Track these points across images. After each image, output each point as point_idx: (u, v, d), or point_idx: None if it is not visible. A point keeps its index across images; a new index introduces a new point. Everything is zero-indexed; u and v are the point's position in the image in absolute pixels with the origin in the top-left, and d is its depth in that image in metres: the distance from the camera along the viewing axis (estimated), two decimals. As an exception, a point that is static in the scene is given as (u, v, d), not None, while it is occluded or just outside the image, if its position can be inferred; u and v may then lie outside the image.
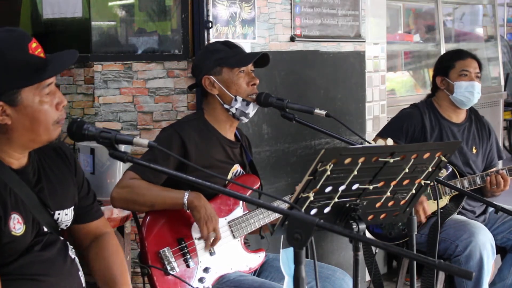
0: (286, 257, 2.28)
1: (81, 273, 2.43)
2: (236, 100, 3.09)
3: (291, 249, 1.99)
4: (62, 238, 2.41)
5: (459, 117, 4.18)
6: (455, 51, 4.39)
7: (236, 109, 3.09)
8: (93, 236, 2.55)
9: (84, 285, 2.42)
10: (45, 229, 2.33)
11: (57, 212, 2.37)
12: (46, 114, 2.22)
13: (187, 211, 2.92)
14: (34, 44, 2.21)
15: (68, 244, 2.43)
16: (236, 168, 3.19)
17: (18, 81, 2.18)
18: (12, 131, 2.22)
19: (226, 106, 3.11)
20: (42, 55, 2.23)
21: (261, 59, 3.17)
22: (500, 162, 4.41)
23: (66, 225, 2.43)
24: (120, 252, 2.55)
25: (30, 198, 2.29)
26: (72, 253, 2.42)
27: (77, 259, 2.43)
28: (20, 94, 2.18)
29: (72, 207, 2.44)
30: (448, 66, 4.14)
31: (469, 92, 4.06)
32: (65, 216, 2.40)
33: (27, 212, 2.27)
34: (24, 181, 2.29)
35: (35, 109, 2.21)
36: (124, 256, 2.56)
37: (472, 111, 4.24)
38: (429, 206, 3.94)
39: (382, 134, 4.10)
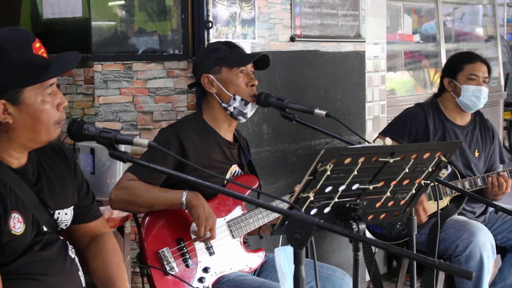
0: (284, 255, 2.27)
1: (81, 273, 2.43)
2: (234, 99, 3.08)
3: (286, 248, 1.99)
4: (61, 238, 2.41)
5: (464, 119, 4.15)
6: (465, 53, 4.35)
7: (234, 108, 3.09)
8: (92, 236, 2.55)
9: (84, 284, 2.43)
10: (45, 229, 2.33)
11: (57, 212, 2.37)
12: (48, 114, 2.23)
13: (186, 210, 2.92)
14: (37, 44, 2.23)
15: (68, 244, 2.44)
16: (234, 168, 3.19)
17: (22, 80, 2.18)
18: (13, 130, 2.22)
19: (224, 105, 3.10)
20: (45, 55, 2.24)
21: (261, 61, 3.17)
22: (501, 166, 4.39)
23: (66, 225, 2.43)
24: (118, 252, 2.56)
25: (29, 198, 2.29)
26: (72, 253, 2.42)
27: (76, 259, 2.43)
28: (22, 93, 2.19)
29: (72, 207, 2.44)
30: (457, 68, 4.10)
31: (475, 97, 4.03)
32: (64, 216, 2.40)
33: (27, 211, 2.27)
34: (23, 180, 2.29)
35: (37, 108, 2.21)
36: (122, 256, 2.57)
37: (477, 114, 4.20)
38: (429, 206, 3.93)
39: (386, 133, 4.08)
